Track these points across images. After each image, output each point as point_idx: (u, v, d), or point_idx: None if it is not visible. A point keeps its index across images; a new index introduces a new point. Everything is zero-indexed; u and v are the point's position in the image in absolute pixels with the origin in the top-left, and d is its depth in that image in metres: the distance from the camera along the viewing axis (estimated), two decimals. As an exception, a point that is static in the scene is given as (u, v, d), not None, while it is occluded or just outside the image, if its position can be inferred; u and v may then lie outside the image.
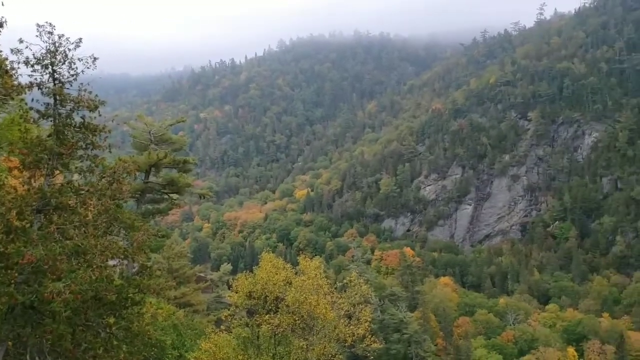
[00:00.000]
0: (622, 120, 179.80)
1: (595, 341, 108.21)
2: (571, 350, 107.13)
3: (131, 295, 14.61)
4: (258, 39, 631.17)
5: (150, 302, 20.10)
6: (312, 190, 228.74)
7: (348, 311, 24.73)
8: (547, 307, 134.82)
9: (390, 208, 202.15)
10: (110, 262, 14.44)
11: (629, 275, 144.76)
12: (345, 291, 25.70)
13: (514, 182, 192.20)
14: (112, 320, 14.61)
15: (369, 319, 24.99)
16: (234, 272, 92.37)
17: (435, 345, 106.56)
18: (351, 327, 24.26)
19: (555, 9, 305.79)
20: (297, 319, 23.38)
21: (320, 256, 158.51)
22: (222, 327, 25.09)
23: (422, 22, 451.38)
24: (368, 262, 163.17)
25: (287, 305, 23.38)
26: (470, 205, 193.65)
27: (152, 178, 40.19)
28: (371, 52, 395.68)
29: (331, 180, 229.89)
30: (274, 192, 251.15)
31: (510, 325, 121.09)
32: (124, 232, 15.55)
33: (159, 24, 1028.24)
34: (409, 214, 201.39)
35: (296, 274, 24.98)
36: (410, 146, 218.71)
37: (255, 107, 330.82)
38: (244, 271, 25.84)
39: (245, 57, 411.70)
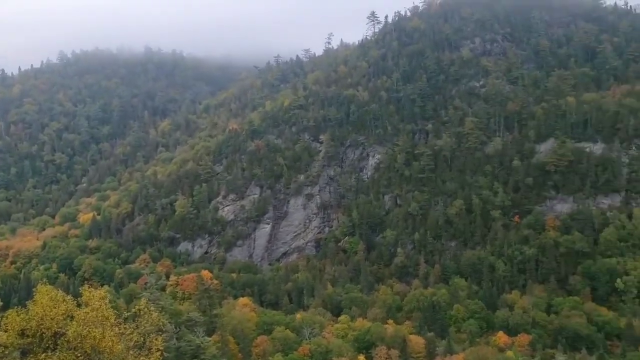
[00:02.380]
0: (400, 143, 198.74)
1: (382, 347, 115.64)
2: (361, 357, 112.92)
3: None
4: (34, 49, 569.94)
5: None
6: (98, 214, 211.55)
7: (138, 342, 23.74)
8: (339, 318, 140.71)
9: (186, 230, 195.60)
10: None
11: (409, 283, 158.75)
12: (134, 321, 24.51)
13: (308, 201, 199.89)
14: None
15: (161, 348, 24.19)
16: (5, 308, 79.26)
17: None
18: (141, 358, 23.36)
19: (342, 39, 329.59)
20: (79, 355, 21.82)
21: (109, 285, 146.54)
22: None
23: (216, 43, 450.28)
24: (163, 289, 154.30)
25: (68, 341, 21.83)
26: (268, 224, 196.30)
27: None
28: (164, 70, 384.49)
29: (121, 203, 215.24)
30: (53, 217, 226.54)
31: (307, 339, 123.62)
32: None
33: None
34: (206, 235, 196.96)
35: (79, 306, 23.07)
36: (207, 166, 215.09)
37: (32, 123, 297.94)
38: (17, 307, 23.23)
39: (19, 69, 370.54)
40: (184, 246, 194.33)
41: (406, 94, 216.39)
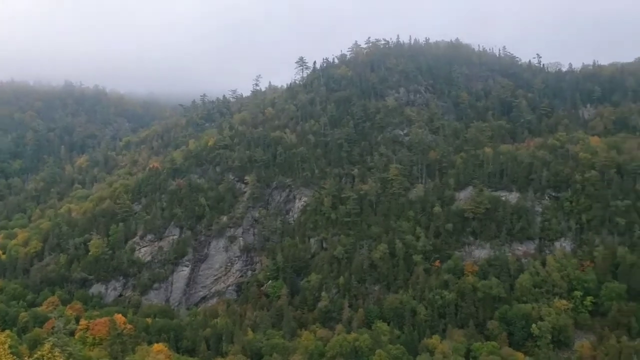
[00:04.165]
0: (327, 187, 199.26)
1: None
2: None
3: None
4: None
5: None
6: (4, 253, 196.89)
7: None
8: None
9: (100, 272, 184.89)
10: None
11: (332, 328, 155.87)
12: (37, 367, 21.42)
13: (231, 243, 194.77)
14: None
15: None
16: None
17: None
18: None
19: (270, 82, 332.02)
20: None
21: (11, 330, 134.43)
22: None
23: (140, 80, 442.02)
24: (72, 333, 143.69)
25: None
26: (187, 266, 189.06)
27: None
28: (83, 105, 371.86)
29: (29, 241, 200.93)
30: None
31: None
32: None
33: None
34: (121, 277, 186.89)
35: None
36: (125, 205, 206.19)
37: None
38: None
39: None
40: (96, 288, 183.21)
41: (333, 138, 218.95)
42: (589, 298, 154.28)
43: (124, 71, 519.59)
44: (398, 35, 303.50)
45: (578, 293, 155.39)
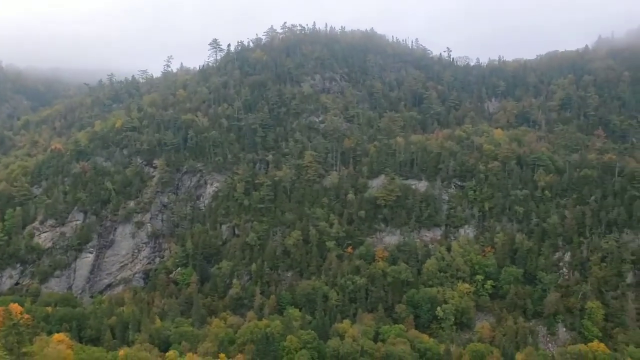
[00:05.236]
0: (240, 172, 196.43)
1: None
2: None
3: None
4: None
5: None
6: None
7: None
8: (167, 354, 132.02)
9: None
10: None
11: (243, 315, 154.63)
12: None
13: (138, 229, 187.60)
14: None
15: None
16: None
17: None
18: None
19: (182, 63, 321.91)
20: None
21: None
22: None
23: (42, 55, 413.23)
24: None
25: None
26: (91, 253, 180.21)
27: None
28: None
29: None
30: None
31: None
32: None
33: None
34: (18, 265, 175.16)
35: None
36: (24, 188, 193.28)
37: None
38: None
39: None
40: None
41: (248, 123, 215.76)
42: (489, 282, 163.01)
43: (24, 44, 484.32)
44: (314, 22, 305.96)
45: (479, 277, 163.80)
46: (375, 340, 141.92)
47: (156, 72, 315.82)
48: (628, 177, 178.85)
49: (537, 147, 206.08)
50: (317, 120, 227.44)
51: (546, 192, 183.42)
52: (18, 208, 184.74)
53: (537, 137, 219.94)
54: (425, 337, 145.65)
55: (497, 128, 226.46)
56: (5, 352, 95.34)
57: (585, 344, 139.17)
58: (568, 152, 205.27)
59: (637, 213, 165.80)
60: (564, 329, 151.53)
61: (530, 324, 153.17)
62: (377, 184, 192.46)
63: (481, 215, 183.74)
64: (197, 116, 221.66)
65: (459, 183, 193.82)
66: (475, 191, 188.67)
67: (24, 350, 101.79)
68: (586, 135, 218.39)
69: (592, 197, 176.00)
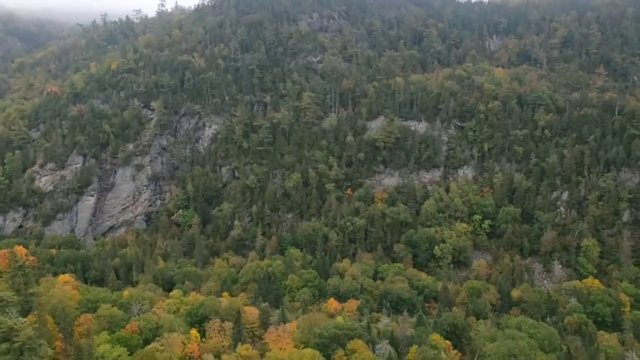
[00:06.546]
0: (238, 115, 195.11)
1: (215, 320, 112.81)
2: (194, 331, 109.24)
3: None
4: None
5: None
6: None
7: None
8: (171, 293, 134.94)
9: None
10: None
11: (245, 255, 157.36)
12: None
13: (138, 172, 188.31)
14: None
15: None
16: None
17: (53, 349, 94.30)
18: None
19: (177, 2, 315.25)
20: None
21: None
22: None
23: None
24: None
25: None
26: (92, 196, 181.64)
27: None
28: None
29: None
30: None
31: (135, 316, 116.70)
32: None
33: None
34: (20, 208, 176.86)
35: None
36: (22, 131, 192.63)
37: None
38: None
39: None
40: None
41: (244, 64, 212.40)
42: (487, 221, 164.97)
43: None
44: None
45: (477, 217, 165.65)
46: (374, 278, 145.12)
47: (150, 11, 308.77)
48: (628, 116, 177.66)
49: (538, 85, 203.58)
50: (314, 60, 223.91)
51: (546, 131, 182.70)
52: (17, 152, 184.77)
53: (538, 75, 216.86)
54: (423, 275, 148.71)
55: (498, 66, 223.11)
56: (12, 293, 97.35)
57: (580, 281, 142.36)
58: (569, 91, 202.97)
59: (635, 152, 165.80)
60: (560, 266, 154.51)
61: (527, 261, 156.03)
62: (376, 126, 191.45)
63: (480, 156, 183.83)
64: (193, 57, 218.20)
65: (458, 124, 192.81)
66: (475, 132, 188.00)
67: (30, 290, 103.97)
68: (587, 74, 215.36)
69: (592, 136, 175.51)
